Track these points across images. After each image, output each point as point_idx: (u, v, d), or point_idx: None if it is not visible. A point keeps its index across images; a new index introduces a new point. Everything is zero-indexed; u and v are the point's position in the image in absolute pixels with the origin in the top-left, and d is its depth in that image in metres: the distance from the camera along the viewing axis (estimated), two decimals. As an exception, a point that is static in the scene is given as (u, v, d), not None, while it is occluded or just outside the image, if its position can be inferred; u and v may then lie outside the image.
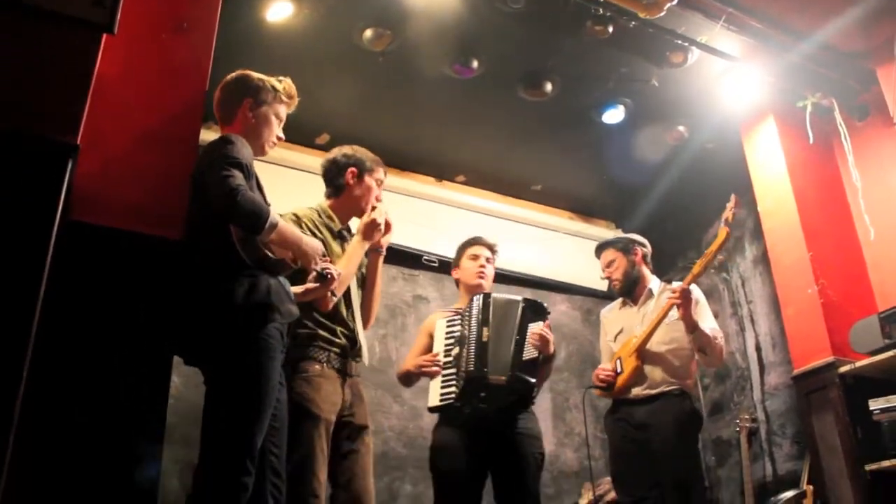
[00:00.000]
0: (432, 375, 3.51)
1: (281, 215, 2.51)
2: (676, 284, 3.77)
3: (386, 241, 3.25)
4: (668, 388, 3.71)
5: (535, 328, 3.53)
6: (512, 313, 3.55)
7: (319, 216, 3.20)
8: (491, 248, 3.85)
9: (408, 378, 3.69)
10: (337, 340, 3.06)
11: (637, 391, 3.75)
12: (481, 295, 3.60)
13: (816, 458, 4.03)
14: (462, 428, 3.44)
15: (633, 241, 4.06)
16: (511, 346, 3.47)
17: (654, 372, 3.74)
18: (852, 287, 4.34)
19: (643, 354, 3.76)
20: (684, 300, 3.63)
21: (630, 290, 4.00)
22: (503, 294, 3.67)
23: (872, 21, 4.24)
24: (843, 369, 3.97)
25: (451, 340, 3.55)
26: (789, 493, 4.21)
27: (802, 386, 4.20)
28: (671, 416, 3.64)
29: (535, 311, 3.60)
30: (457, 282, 3.90)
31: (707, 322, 3.76)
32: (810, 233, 4.41)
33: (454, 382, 3.44)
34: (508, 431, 3.45)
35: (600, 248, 4.13)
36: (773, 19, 4.24)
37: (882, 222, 4.35)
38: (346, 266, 3.01)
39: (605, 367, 3.90)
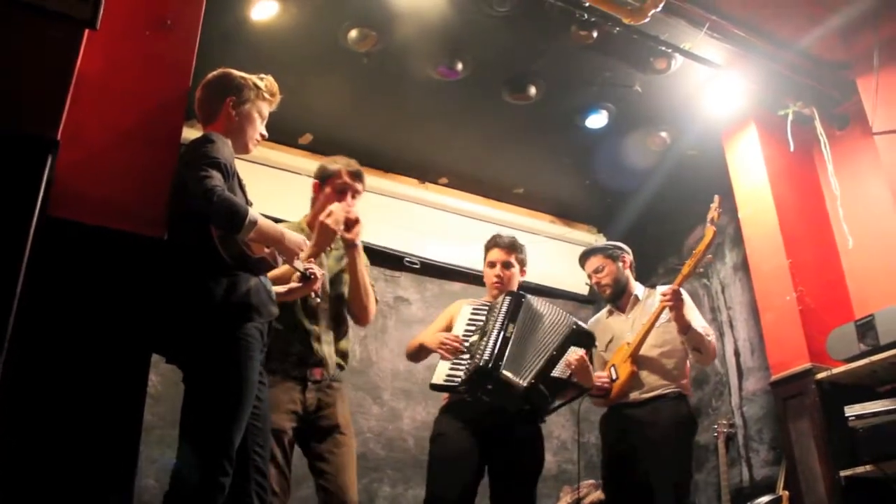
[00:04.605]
0: (450, 355, 3.41)
1: None
2: (664, 287, 3.79)
3: (356, 234, 3.16)
4: (665, 391, 3.72)
5: (575, 352, 3.42)
6: (558, 329, 3.45)
7: (294, 227, 3.20)
8: (509, 249, 3.72)
9: (418, 352, 3.57)
10: (293, 349, 3.06)
11: (635, 395, 3.76)
12: (515, 293, 3.53)
13: (792, 464, 4.07)
14: (463, 420, 3.37)
15: (620, 248, 4.06)
16: (543, 358, 3.36)
17: (649, 376, 3.76)
18: (830, 294, 4.38)
19: (638, 359, 3.76)
20: (676, 301, 3.65)
21: (618, 296, 4.00)
22: (547, 301, 3.58)
23: (854, 32, 4.29)
24: (819, 376, 4.00)
25: (473, 328, 3.48)
26: (765, 498, 4.24)
27: (780, 392, 4.24)
28: (668, 418, 3.66)
29: (583, 338, 3.49)
30: None
31: (697, 321, 3.78)
32: (790, 240, 4.45)
33: (464, 368, 3.37)
34: (510, 436, 3.37)
35: (586, 255, 4.11)
36: (756, 28, 4.27)
37: (860, 230, 4.39)
38: (287, 269, 2.97)
39: (600, 374, 3.84)
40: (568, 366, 3.39)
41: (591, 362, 3.53)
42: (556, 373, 3.38)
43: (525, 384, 3.31)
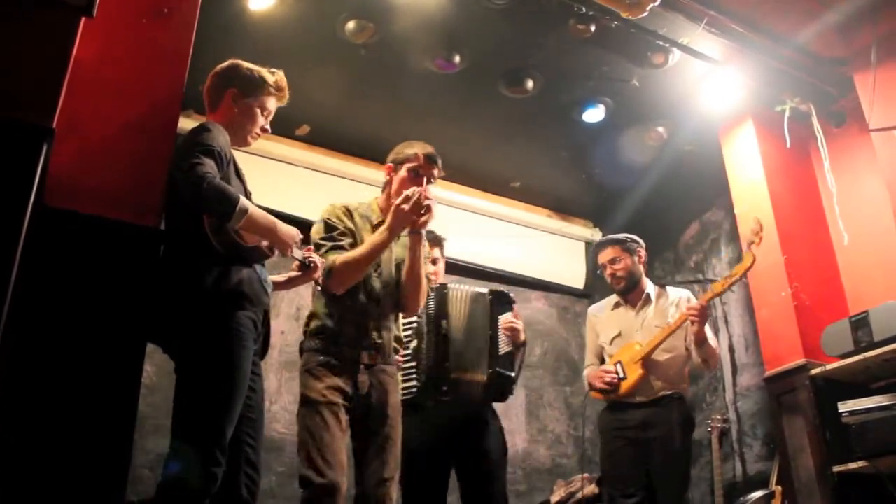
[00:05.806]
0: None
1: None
2: (682, 292, 3.90)
3: (425, 223, 3.04)
4: (668, 392, 3.76)
5: (504, 319, 3.46)
6: (481, 308, 3.46)
7: (365, 208, 3.18)
8: (431, 244, 3.61)
9: None
10: (346, 331, 2.98)
11: (641, 397, 3.78)
12: (438, 287, 3.50)
13: (786, 459, 4.08)
14: (424, 424, 3.34)
15: (636, 242, 4.05)
16: (486, 343, 3.39)
17: (657, 381, 3.79)
18: (825, 291, 4.39)
19: (647, 364, 3.78)
20: (702, 318, 3.67)
21: (630, 290, 3.99)
22: (464, 286, 3.57)
23: (851, 28, 4.28)
24: (813, 372, 4.01)
25: (409, 332, 3.44)
26: (758, 494, 4.25)
27: (774, 387, 4.25)
28: (672, 418, 3.70)
29: (503, 303, 3.52)
30: None
31: (710, 334, 3.81)
32: (785, 237, 4.45)
33: (415, 376, 3.35)
34: (471, 427, 3.39)
35: (602, 245, 4.10)
36: (754, 23, 4.26)
37: (856, 228, 4.40)
38: (361, 251, 2.93)
39: (607, 370, 3.86)
40: (507, 334, 3.42)
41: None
42: (502, 349, 3.40)
43: (486, 377, 3.33)
